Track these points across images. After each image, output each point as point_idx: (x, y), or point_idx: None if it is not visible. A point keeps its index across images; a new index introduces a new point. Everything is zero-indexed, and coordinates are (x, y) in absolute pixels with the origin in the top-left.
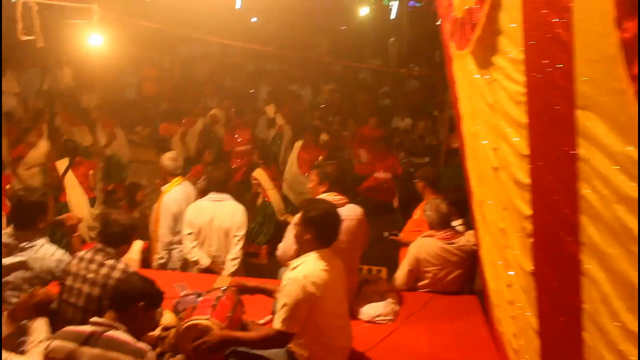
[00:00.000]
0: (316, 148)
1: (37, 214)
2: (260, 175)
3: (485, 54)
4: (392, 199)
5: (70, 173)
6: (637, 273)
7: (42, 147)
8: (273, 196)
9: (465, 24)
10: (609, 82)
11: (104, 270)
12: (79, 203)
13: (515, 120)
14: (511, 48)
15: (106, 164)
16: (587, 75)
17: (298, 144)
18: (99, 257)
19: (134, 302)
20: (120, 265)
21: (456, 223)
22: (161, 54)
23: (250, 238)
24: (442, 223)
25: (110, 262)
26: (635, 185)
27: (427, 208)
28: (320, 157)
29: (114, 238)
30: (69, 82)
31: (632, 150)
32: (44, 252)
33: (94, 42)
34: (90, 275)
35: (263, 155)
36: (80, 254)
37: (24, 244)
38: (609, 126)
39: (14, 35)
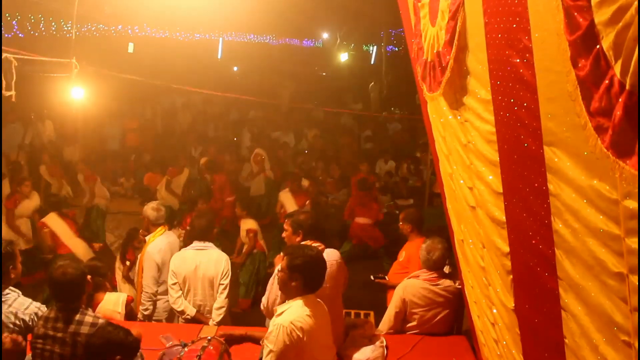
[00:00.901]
0: (300, 195)
1: (7, 264)
2: (253, 226)
3: (456, 95)
4: (377, 244)
5: (63, 225)
6: (612, 305)
7: (34, 199)
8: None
9: (436, 67)
10: (570, 118)
11: (71, 328)
12: (84, 250)
13: (488, 159)
14: (479, 89)
15: (86, 217)
16: (550, 112)
17: (283, 192)
18: (63, 314)
19: (111, 356)
20: (88, 319)
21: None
22: (143, 105)
23: (249, 292)
24: (436, 265)
25: (77, 316)
26: (604, 217)
27: (423, 248)
28: (307, 202)
29: (66, 293)
30: (50, 135)
31: (597, 183)
32: (17, 306)
33: (75, 95)
34: (59, 335)
35: (247, 204)
36: (45, 314)
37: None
38: (575, 161)
39: None
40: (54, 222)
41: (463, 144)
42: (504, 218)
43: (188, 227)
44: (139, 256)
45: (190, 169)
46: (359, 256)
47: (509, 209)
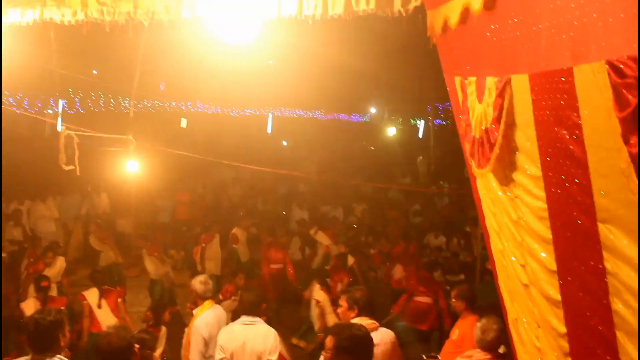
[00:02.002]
0: (341, 272)
1: (57, 332)
2: (321, 297)
3: (505, 171)
4: (431, 326)
5: (102, 303)
6: None
7: (57, 265)
8: (332, 321)
9: (484, 143)
10: (625, 195)
11: None
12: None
13: (540, 236)
14: (529, 165)
15: (150, 290)
16: (603, 189)
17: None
18: None
19: None
20: None
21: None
22: (194, 179)
23: None
24: (490, 346)
25: None
26: None
27: (478, 327)
28: (345, 280)
29: (42, 340)
30: (105, 207)
31: None
32: None
33: (130, 168)
34: None
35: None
36: None
37: None
38: (632, 238)
39: (57, 163)
40: (92, 297)
41: (514, 221)
42: (559, 297)
43: (228, 296)
44: (186, 330)
45: (221, 236)
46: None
47: (564, 287)
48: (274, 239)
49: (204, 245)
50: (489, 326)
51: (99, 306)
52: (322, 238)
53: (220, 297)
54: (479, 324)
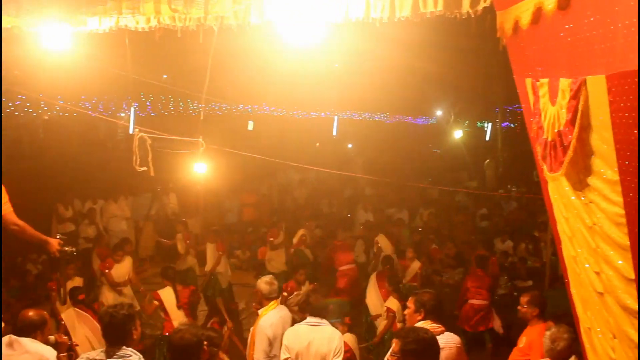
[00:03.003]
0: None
1: (129, 326)
2: (395, 306)
3: (580, 175)
4: (487, 326)
5: (172, 302)
6: None
7: (125, 263)
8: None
9: (557, 146)
10: None
11: None
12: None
13: (616, 243)
14: (605, 169)
15: (205, 286)
16: None
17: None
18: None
19: None
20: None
21: None
22: (260, 181)
23: None
24: (560, 356)
25: None
26: None
27: (547, 336)
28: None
29: (115, 333)
30: (174, 207)
31: None
32: None
33: (199, 170)
34: None
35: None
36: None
37: (115, 358)
38: None
39: (129, 164)
40: (167, 296)
41: (588, 226)
42: (637, 307)
43: (285, 293)
44: (251, 329)
45: (286, 233)
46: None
47: None
48: (341, 241)
49: (272, 238)
50: (559, 335)
51: (170, 305)
52: (383, 242)
53: (285, 293)
54: (548, 333)
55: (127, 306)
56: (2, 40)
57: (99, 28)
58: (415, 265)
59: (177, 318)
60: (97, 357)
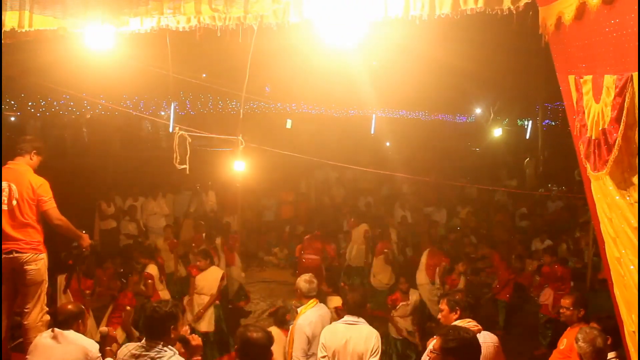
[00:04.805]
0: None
1: (169, 324)
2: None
3: (624, 174)
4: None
5: None
6: None
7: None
8: None
9: (601, 145)
10: None
11: None
12: None
13: None
14: None
15: None
16: None
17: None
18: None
19: None
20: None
21: (611, 355)
22: (298, 179)
23: None
24: (596, 357)
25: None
26: None
27: (580, 338)
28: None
29: (154, 328)
30: (213, 205)
31: None
32: None
33: (237, 168)
34: None
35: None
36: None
37: (154, 353)
38: None
39: (169, 162)
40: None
41: (633, 227)
42: None
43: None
44: (290, 327)
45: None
46: None
47: None
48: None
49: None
50: (593, 334)
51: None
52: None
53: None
54: (580, 336)
55: (171, 304)
56: (49, 41)
57: (141, 28)
58: (460, 267)
59: None
60: (136, 351)
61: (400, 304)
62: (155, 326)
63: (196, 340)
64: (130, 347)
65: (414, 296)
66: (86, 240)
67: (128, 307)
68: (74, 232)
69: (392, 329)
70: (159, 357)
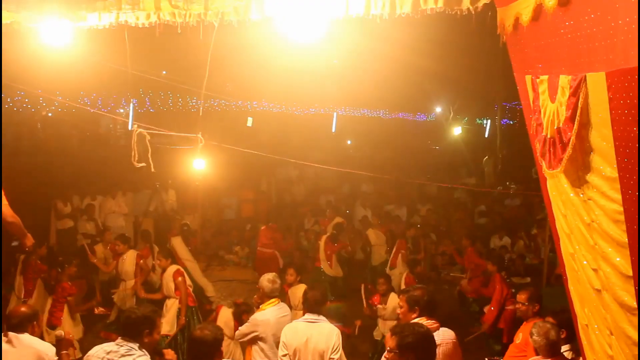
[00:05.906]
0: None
1: (143, 327)
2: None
3: (578, 172)
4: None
5: None
6: None
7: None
8: None
9: (556, 143)
10: None
11: None
12: None
13: (614, 240)
14: (604, 166)
15: None
16: None
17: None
18: (122, 350)
19: None
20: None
21: (565, 348)
22: (259, 177)
23: None
24: (550, 350)
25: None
26: None
27: (534, 332)
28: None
29: (129, 328)
30: (173, 203)
31: None
32: None
33: (197, 166)
34: None
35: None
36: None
37: (124, 350)
38: None
39: (127, 160)
40: None
41: (586, 223)
42: (634, 304)
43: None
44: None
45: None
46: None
47: None
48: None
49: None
50: (546, 327)
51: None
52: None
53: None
54: (534, 330)
55: (150, 309)
56: (2, 35)
57: (99, 24)
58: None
59: None
60: (109, 348)
61: (378, 306)
62: (130, 327)
63: (170, 355)
64: (104, 346)
65: (392, 302)
66: (30, 239)
67: (69, 297)
68: (22, 230)
69: (377, 332)
70: (129, 355)
